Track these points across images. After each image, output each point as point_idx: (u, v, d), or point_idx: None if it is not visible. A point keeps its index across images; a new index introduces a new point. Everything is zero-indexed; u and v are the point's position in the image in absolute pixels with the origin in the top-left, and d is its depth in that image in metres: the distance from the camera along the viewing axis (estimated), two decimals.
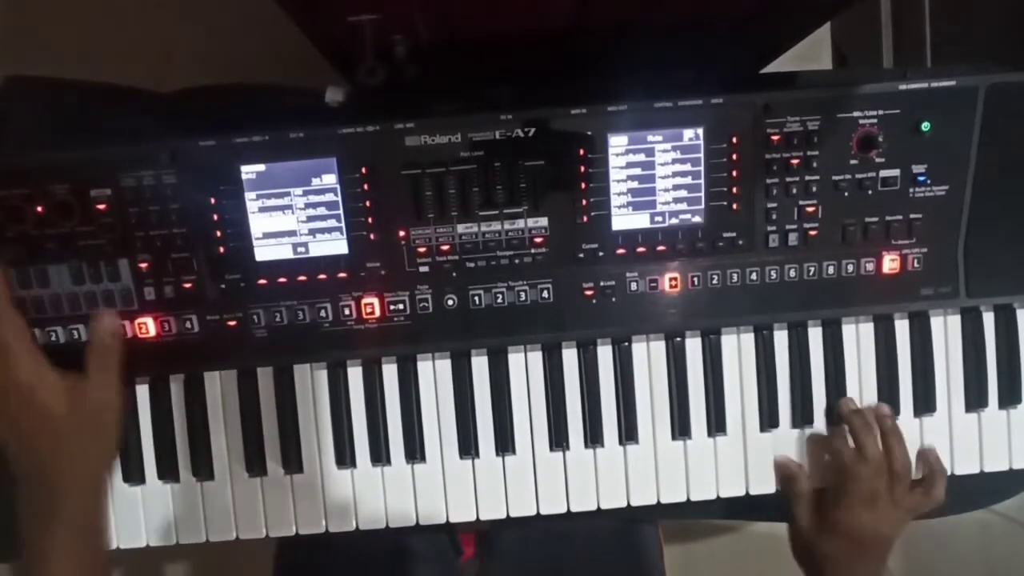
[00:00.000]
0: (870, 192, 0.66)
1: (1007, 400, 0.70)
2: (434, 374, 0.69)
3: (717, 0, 0.58)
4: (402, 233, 0.66)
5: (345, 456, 0.68)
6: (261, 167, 0.64)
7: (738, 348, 0.69)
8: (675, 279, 0.67)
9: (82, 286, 0.65)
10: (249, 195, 0.64)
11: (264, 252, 0.65)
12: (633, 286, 0.67)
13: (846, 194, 0.66)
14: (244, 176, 0.64)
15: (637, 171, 0.65)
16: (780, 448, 0.70)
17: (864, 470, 0.65)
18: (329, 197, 0.64)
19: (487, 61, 0.65)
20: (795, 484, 0.69)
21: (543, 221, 0.66)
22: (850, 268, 0.67)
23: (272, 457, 0.68)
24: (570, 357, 0.69)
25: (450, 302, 0.67)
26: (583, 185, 0.65)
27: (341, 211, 0.64)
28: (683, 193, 0.65)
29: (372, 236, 0.65)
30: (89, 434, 0.60)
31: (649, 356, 0.69)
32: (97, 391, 0.61)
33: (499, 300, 0.67)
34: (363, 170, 0.64)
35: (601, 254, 0.66)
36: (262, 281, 0.66)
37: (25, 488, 0.58)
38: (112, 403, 0.62)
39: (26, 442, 0.58)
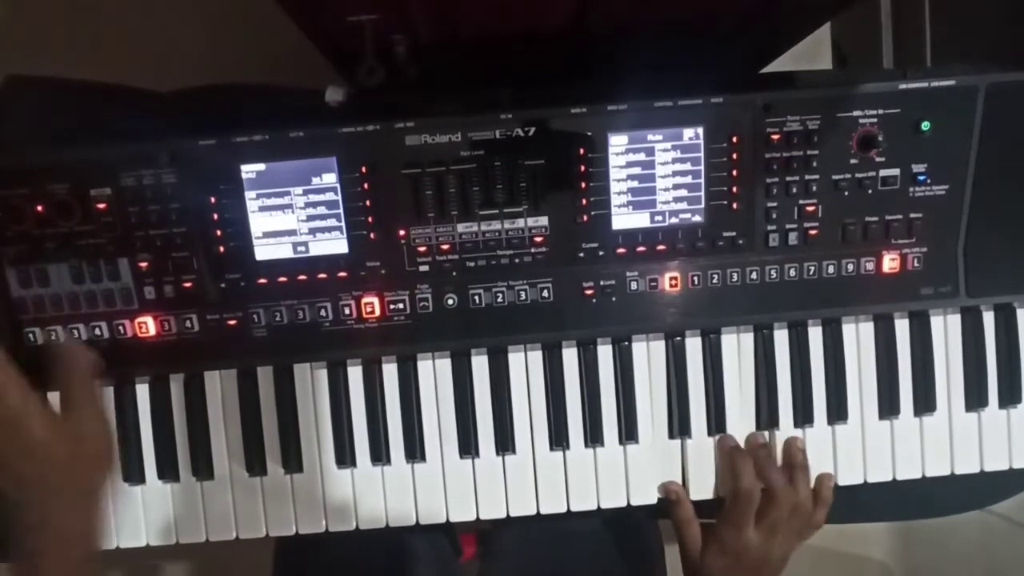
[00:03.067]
0: (870, 191, 0.66)
1: (1007, 399, 0.70)
2: (434, 373, 0.69)
3: (717, 0, 0.58)
4: (402, 232, 0.66)
5: (345, 456, 0.68)
6: (261, 166, 0.64)
7: (738, 347, 0.69)
8: (675, 278, 0.67)
9: (82, 285, 0.65)
10: (249, 194, 0.64)
11: (264, 251, 0.65)
12: (633, 285, 0.67)
13: (846, 193, 0.66)
14: (244, 175, 0.64)
15: (637, 170, 0.65)
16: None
17: (782, 501, 0.66)
18: (329, 196, 0.64)
19: (487, 61, 0.65)
20: (681, 509, 0.69)
21: (543, 220, 0.66)
22: (850, 267, 0.67)
23: (272, 457, 0.68)
24: (570, 357, 0.69)
25: (450, 301, 0.67)
26: (583, 184, 0.65)
27: (341, 210, 0.64)
28: (683, 192, 0.65)
29: (372, 235, 0.65)
30: (79, 463, 0.58)
31: (649, 356, 0.69)
32: (83, 423, 0.59)
33: (499, 299, 0.67)
34: (363, 169, 0.64)
35: (601, 253, 0.66)
36: (262, 280, 0.66)
37: (12, 507, 0.56)
38: (98, 431, 0.60)
39: (13, 467, 0.56)
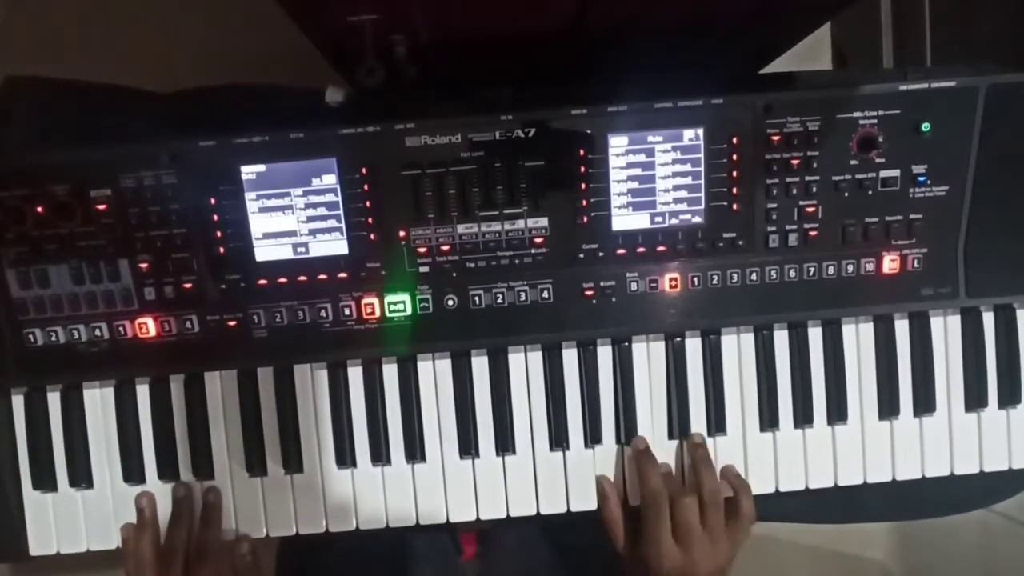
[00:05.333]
0: (870, 192, 0.66)
1: (1007, 400, 0.70)
2: (434, 374, 0.69)
3: (717, 0, 0.58)
4: (402, 233, 0.66)
5: (345, 456, 0.68)
6: (261, 167, 0.64)
7: (738, 348, 0.69)
8: (675, 279, 0.67)
9: (82, 286, 0.65)
10: (249, 195, 0.64)
11: (264, 252, 0.65)
12: (633, 286, 0.67)
13: (846, 194, 0.66)
14: (244, 176, 0.64)
15: (637, 171, 0.65)
16: (781, 448, 0.70)
17: (677, 502, 0.63)
18: (329, 197, 0.64)
19: (487, 61, 0.65)
20: (607, 508, 0.67)
21: (543, 221, 0.66)
22: (850, 268, 0.67)
23: (272, 457, 0.68)
24: (570, 357, 0.69)
25: (450, 302, 0.67)
26: (583, 185, 0.65)
27: (341, 211, 0.64)
28: (683, 193, 0.65)
29: (372, 236, 0.65)
30: None
31: (649, 356, 0.69)
32: None
33: (499, 300, 0.67)
34: (363, 170, 0.64)
35: (601, 254, 0.66)
36: (262, 281, 0.66)
37: None
38: None
39: None
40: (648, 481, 0.65)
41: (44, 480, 0.68)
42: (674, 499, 0.64)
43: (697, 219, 0.66)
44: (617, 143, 0.64)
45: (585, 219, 0.66)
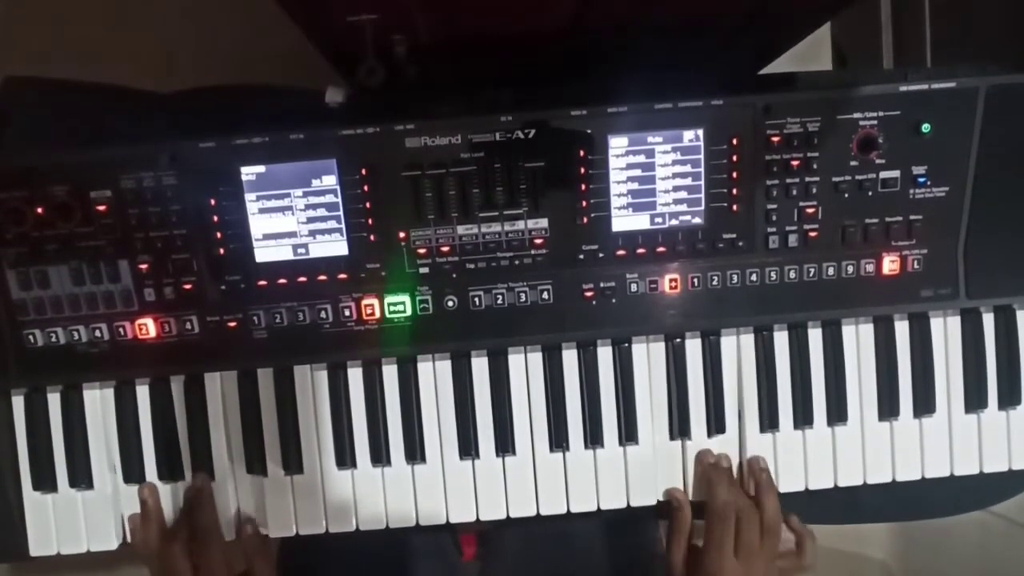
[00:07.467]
0: (870, 193, 0.66)
1: (1007, 401, 0.70)
2: (434, 375, 0.69)
3: (717, 0, 0.58)
4: (402, 234, 0.66)
5: (345, 457, 0.68)
6: (261, 168, 0.64)
7: (738, 349, 0.70)
8: (675, 280, 0.67)
9: (82, 287, 0.65)
10: (249, 196, 0.64)
11: (264, 253, 0.65)
12: (633, 287, 0.67)
13: (846, 195, 0.66)
14: (244, 177, 0.64)
15: (637, 172, 0.65)
16: (781, 449, 0.70)
17: (743, 520, 0.65)
18: (329, 198, 0.64)
19: (487, 62, 0.65)
20: (679, 517, 0.68)
21: (543, 222, 0.66)
22: (850, 269, 0.67)
23: (272, 458, 0.68)
24: (570, 358, 0.69)
25: (450, 303, 0.67)
26: (583, 186, 0.65)
27: (341, 212, 0.64)
28: (683, 194, 0.65)
29: (372, 237, 0.65)
30: None
31: (649, 357, 0.69)
32: None
33: (499, 301, 0.67)
34: (363, 171, 0.64)
35: (601, 255, 0.66)
36: (262, 282, 0.66)
37: None
38: None
39: None
40: (719, 494, 0.66)
41: (44, 480, 0.68)
42: (740, 516, 0.65)
43: (697, 220, 0.66)
44: (617, 144, 0.64)
45: (585, 220, 0.66)
